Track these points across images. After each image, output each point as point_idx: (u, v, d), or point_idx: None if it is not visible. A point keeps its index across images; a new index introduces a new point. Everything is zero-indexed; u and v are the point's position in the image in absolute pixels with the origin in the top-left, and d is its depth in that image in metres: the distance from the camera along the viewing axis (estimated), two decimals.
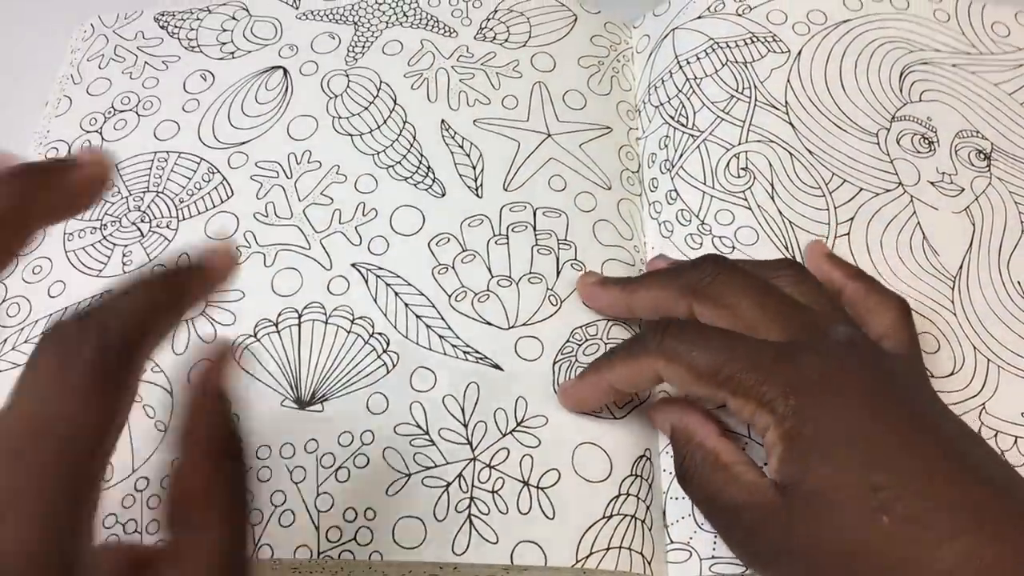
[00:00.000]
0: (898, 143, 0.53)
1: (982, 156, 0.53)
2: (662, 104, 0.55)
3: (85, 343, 0.23)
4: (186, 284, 0.28)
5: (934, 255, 0.50)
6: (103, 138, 0.56)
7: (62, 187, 0.26)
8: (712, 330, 0.40)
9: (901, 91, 0.55)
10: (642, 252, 0.53)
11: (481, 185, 0.51)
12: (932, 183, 0.52)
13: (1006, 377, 0.46)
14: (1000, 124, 0.54)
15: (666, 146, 0.54)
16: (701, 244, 0.50)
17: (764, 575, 0.39)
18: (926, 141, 0.53)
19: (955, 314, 0.47)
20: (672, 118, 0.54)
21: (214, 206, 0.52)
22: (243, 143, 0.55)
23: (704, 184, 0.52)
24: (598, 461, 0.45)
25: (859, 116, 0.53)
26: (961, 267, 0.49)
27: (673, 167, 0.53)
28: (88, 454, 0.23)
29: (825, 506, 0.35)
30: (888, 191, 0.52)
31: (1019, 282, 0.48)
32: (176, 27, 0.61)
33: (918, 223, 0.51)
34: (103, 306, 0.25)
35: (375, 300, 0.48)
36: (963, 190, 0.52)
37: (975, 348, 0.46)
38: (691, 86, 0.54)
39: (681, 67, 0.55)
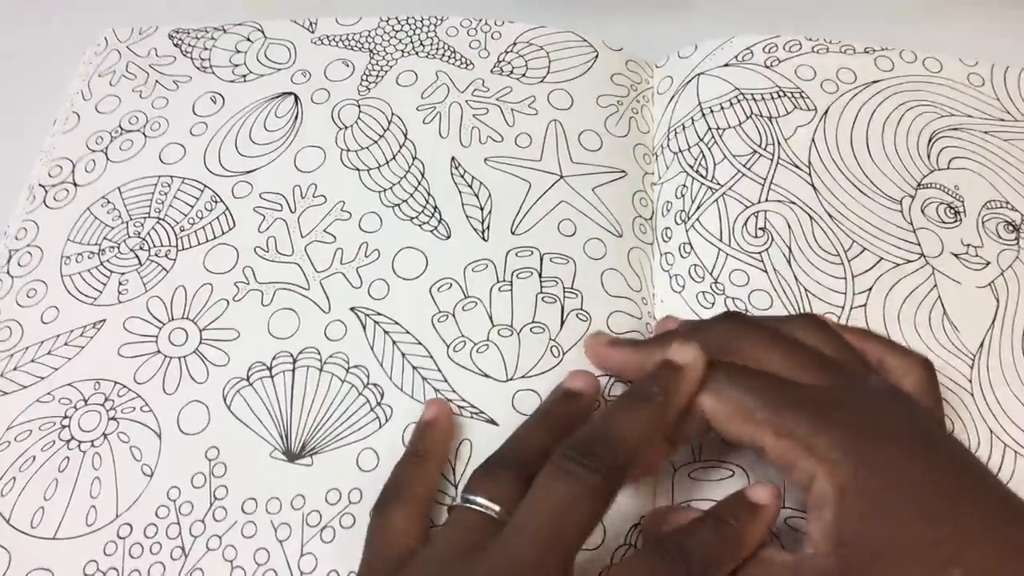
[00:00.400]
0: (922, 212, 0.51)
1: (1011, 228, 0.51)
2: (681, 151, 0.53)
3: (594, 473, 0.35)
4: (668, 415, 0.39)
5: (954, 331, 0.47)
6: (108, 158, 0.55)
7: None
8: (759, 371, 0.39)
9: (929, 157, 0.53)
10: (650, 305, 0.51)
11: (488, 228, 0.50)
12: (956, 255, 0.50)
13: (1022, 464, 0.43)
14: None
15: (683, 196, 0.52)
16: (713, 303, 0.49)
17: None
18: (952, 211, 0.51)
19: (972, 394, 0.45)
20: (691, 167, 0.52)
21: (215, 237, 0.51)
22: (249, 172, 0.54)
23: (720, 240, 0.50)
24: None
25: (883, 181, 0.51)
26: (982, 345, 0.47)
27: (689, 219, 0.51)
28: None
29: (894, 565, 0.33)
30: (909, 262, 0.50)
31: None
32: (190, 46, 0.60)
33: (939, 297, 0.49)
34: (606, 439, 0.36)
35: (372, 348, 0.47)
36: (988, 263, 0.49)
37: (991, 432, 0.45)
38: (713, 136, 0.53)
39: (704, 115, 0.54)
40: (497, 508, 0.36)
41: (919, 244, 0.50)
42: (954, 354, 0.47)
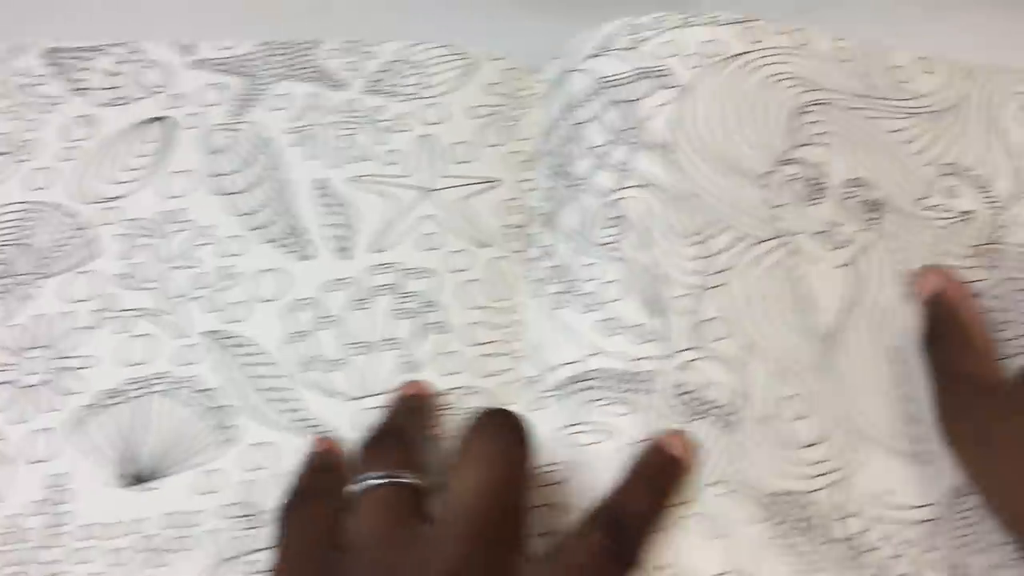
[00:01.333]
0: (785, 188, 0.49)
1: (871, 207, 0.49)
2: (551, 153, 0.53)
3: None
4: None
5: (809, 312, 0.47)
6: None
7: None
8: None
9: (793, 132, 0.51)
10: (515, 314, 0.50)
11: (351, 246, 0.49)
12: (816, 232, 0.48)
13: (871, 450, 0.43)
14: (892, 174, 0.51)
15: (550, 198, 0.51)
16: (568, 304, 0.48)
17: (955, 450, 0.41)
18: (815, 186, 0.49)
19: (824, 379, 0.44)
20: (558, 167, 0.52)
21: (79, 265, 0.50)
22: (116, 198, 0.53)
23: (578, 238, 0.49)
24: None
25: (746, 157, 0.49)
26: (836, 326, 0.46)
27: (551, 221, 0.50)
28: None
29: None
30: (769, 239, 0.48)
31: (896, 347, 0.45)
32: (66, 65, 0.59)
33: (797, 275, 0.47)
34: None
35: (224, 371, 0.46)
36: (848, 242, 0.48)
37: (840, 417, 0.44)
38: (576, 132, 0.52)
39: (571, 112, 0.53)
40: (407, 473, 0.39)
41: (780, 221, 0.49)
42: (807, 336, 0.46)
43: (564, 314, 0.49)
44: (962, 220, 0.51)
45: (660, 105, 0.52)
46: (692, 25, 0.54)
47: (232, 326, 0.48)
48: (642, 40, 0.53)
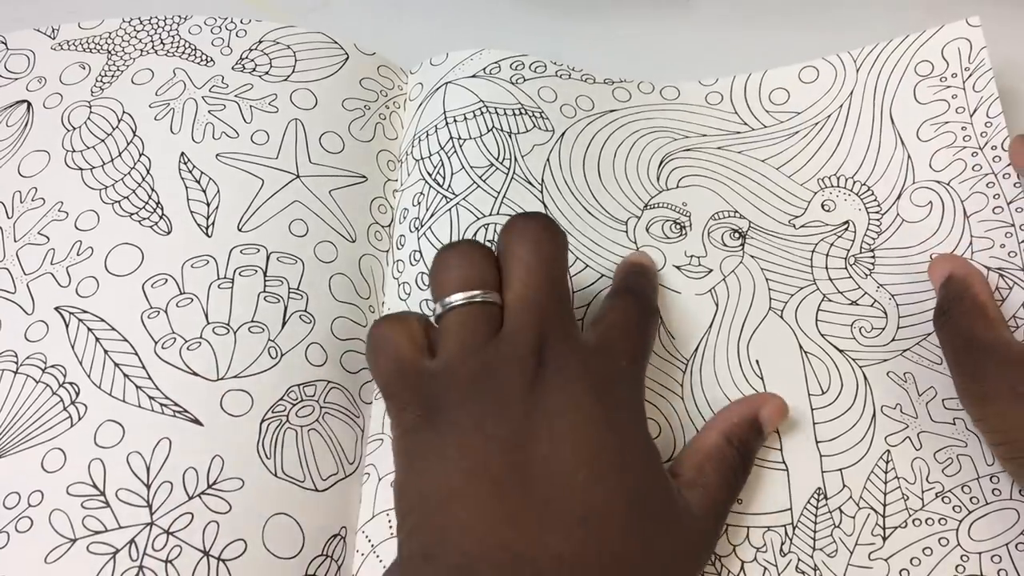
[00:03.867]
0: (647, 231, 0.51)
1: (737, 235, 0.51)
2: (423, 159, 0.52)
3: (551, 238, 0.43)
4: None
5: (670, 339, 0.48)
6: None
7: None
8: None
9: (659, 179, 0.52)
10: (377, 312, 0.50)
11: (213, 224, 0.47)
12: (678, 267, 0.50)
13: None
14: (761, 201, 0.52)
15: (419, 203, 0.51)
16: (435, 311, 0.46)
17: (975, 414, 0.43)
18: (677, 226, 0.51)
19: (682, 398, 0.46)
20: (430, 175, 0.51)
21: None
22: None
23: None
24: (290, 536, 0.41)
25: (611, 204, 0.51)
26: (696, 349, 0.47)
27: (422, 226, 0.50)
28: None
29: None
30: None
31: (757, 361, 0.47)
32: None
33: (661, 307, 0.48)
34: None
35: (72, 347, 0.44)
36: (711, 271, 0.49)
37: (697, 431, 0.44)
38: (454, 145, 0.51)
39: (448, 124, 0.52)
40: (482, 293, 0.41)
41: None
42: (669, 361, 0.47)
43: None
44: (837, 233, 0.52)
45: (536, 145, 0.53)
46: (569, 78, 0.56)
47: (83, 301, 0.46)
48: (524, 79, 0.54)
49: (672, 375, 0.46)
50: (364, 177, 0.51)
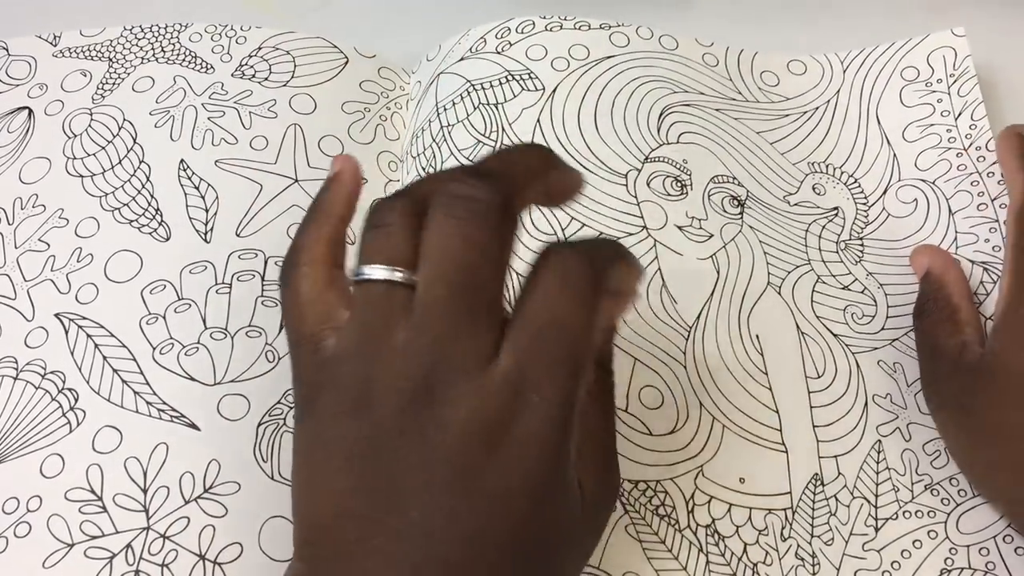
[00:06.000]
0: (648, 185, 0.49)
1: (736, 203, 0.50)
2: (419, 155, 0.52)
3: (494, 192, 0.31)
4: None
5: (672, 303, 0.46)
6: None
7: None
8: None
9: (659, 131, 0.50)
10: None
11: (211, 229, 0.47)
12: (679, 227, 0.48)
13: (729, 438, 0.43)
14: (758, 172, 0.51)
15: None
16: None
17: (936, 420, 0.44)
18: (678, 184, 0.49)
19: (685, 367, 0.44)
20: (424, 170, 0.50)
21: None
22: None
23: None
24: (287, 538, 0.40)
25: (609, 156, 0.49)
26: (699, 317, 0.46)
27: None
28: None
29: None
30: (631, 234, 0.48)
31: (757, 336, 0.46)
32: None
33: (659, 268, 0.47)
34: (491, 165, 0.33)
35: (72, 353, 0.44)
36: (711, 236, 0.48)
37: (701, 404, 0.44)
38: (444, 134, 0.51)
39: (439, 114, 0.52)
40: (399, 272, 0.31)
41: (642, 217, 0.48)
42: (671, 326, 0.46)
43: None
44: (828, 217, 0.52)
45: (525, 108, 0.52)
46: (561, 29, 0.54)
47: (83, 307, 0.46)
48: (510, 44, 0.53)
49: (675, 342, 0.45)
50: (364, 180, 0.51)
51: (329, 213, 0.36)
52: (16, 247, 0.49)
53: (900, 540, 0.42)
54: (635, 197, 0.49)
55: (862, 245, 0.49)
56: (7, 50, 0.57)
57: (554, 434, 0.30)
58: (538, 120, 0.51)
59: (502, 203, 0.30)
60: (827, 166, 0.52)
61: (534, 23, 0.54)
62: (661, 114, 0.52)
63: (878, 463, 0.44)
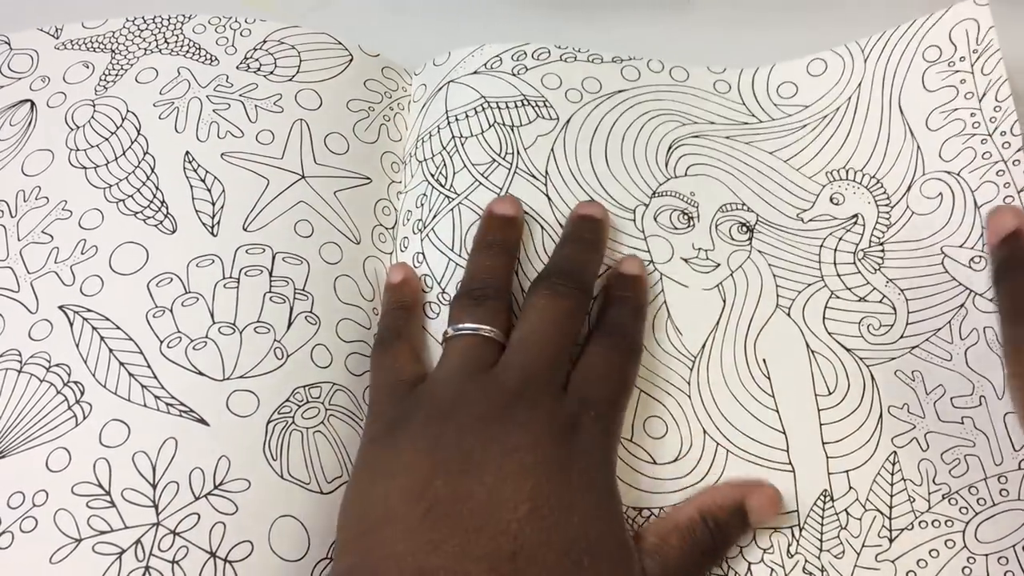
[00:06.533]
0: (655, 219, 0.49)
1: (744, 229, 0.50)
2: (426, 160, 0.51)
3: (578, 292, 0.45)
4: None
5: (677, 335, 0.46)
6: None
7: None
8: None
9: (667, 166, 0.51)
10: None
11: (218, 223, 0.47)
12: (685, 259, 0.48)
13: (734, 462, 0.44)
14: (769, 194, 0.51)
15: (422, 205, 0.50)
16: (439, 313, 0.47)
17: (1012, 384, 0.42)
18: (685, 216, 0.49)
19: (689, 396, 0.45)
20: (432, 176, 0.50)
21: None
22: None
23: (451, 250, 0.48)
24: (296, 538, 0.41)
25: (618, 191, 0.50)
26: (704, 347, 0.46)
27: (425, 228, 0.49)
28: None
29: None
30: None
31: (764, 360, 0.46)
32: None
33: (664, 301, 0.47)
34: (575, 266, 0.46)
35: (77, 345, 0.43)
36: (718, 265, 0.48)
37: (705, 432, 0.44)
38: (456, 144, 0.51)
39: (449, 123, 0.52)
40: (491, 329, 0.43)
41: (649, 251, 0.48)
42: (676, 358, 0.46)
43: (435, 324, 0.48)
44: (846, 227, 0.51)
45: (540, 136, 0.52)
46: (575, 60, 0.55)
47: (88, 300, 0.46)
48: (525, 68, 0.54)
49: (679, 372, 0.46)
50: (368, 179, 0.51)
51: (412, 307, 0.48)
52: (19, 239, 0.48)
53: (916, 550, 0.42)
54: (642, 232, 0.49)
55: (882, 251, 0.48)
56: (9, 44, 0.56)
57: (606, 438, 0.41)
58: (552, 149, 0.52)
59: (583, 293, 0.45)
60: (847, 171, 0.51)
61: (549, 51, 0.54)
62: (670, 148, 0.52)
63: (892, 475, 0.43)
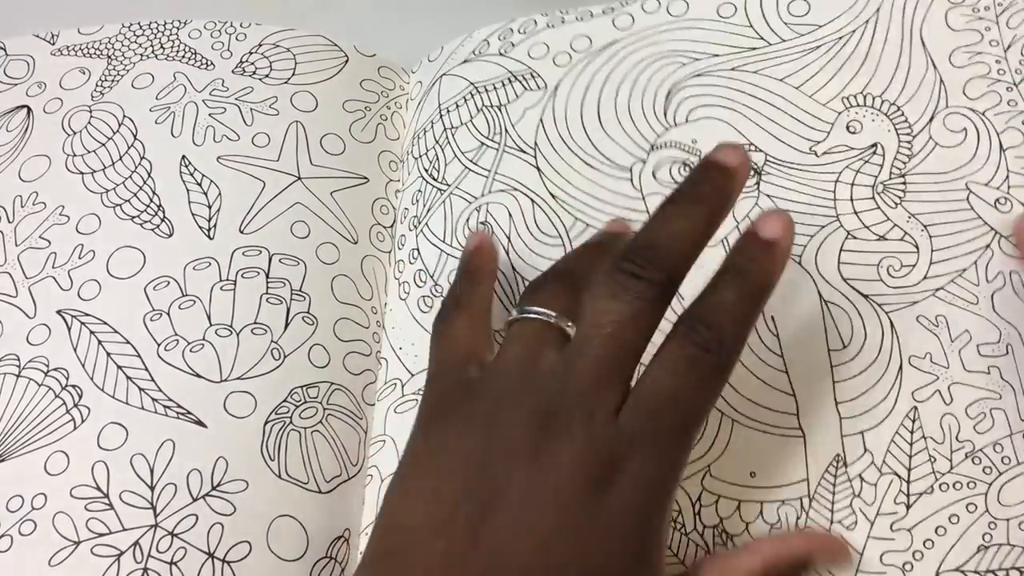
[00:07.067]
0: (654, 176, 0.47)
1: (752, 174, 0.45)
2: (421, 156, 0.52)
3: (651, 285, 0.33)
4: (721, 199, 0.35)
5: (679, 300, 0.44)
6: None
7: None
8: None
9: (665, 115, 0.48)
10: (380, 314, 0.49)
11: (214, 226, 0.47)
12: None
13: (739, 432, 0.41)
14: (779, 128, 0.47)
15: (417, 201, 0.51)
16: (431, 307, 0.47)
17: None
18: (687, 169, 0.46)
19: None
20: (427, 171, 0.51)
21: None
22: None
23: (443, 242, 0.49)
24: (294, 538, 0.41)
25: (613, 150, 0.48)
26: None
27: (420, 224, 0.49)
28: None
29: None
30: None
31: (772, 317, 0.43)
32: None
33: None
34: (657, 246, 0.34)
35: (75, 349, 0.44)
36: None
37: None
38: (447, 136, 0.51)
39: (441, 116, 0.52)
40: (554, 314, 0.35)
41: (647, 212, 0.45)
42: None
43: (430, 318, 0.47)
44: (864, 158, 0.46)
45: (527, 109, 0.51)
46: (563, 24, 0.53)
47: (86, 304, 0.46)
48: (512, 45, 0.53)
49: None
50: (365, 178, 0.51)
51: (479, 273, 0.44)
52: (17, 245, 0.48)
53: (935, 516, 0.39)
54: (640, 191, 0.47)
55: (904, 183, 0.45)
56: (5, 50, 0.56)
57: (652, 497, 0.32)
58: (540, 120, 0.51)
59: (661, 286, 0.33)
60: (865, 96, 0.47)
61: (535, 21, 0.54)
62: (669, 94, 0.49)
63: (912, 433, 0.40)
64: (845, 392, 0.41)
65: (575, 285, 0.36)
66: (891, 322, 0.42)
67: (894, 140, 0.46)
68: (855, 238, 0.44)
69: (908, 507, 0.39)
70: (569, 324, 0.35)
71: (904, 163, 0.45)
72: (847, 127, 0.46)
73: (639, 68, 0.51)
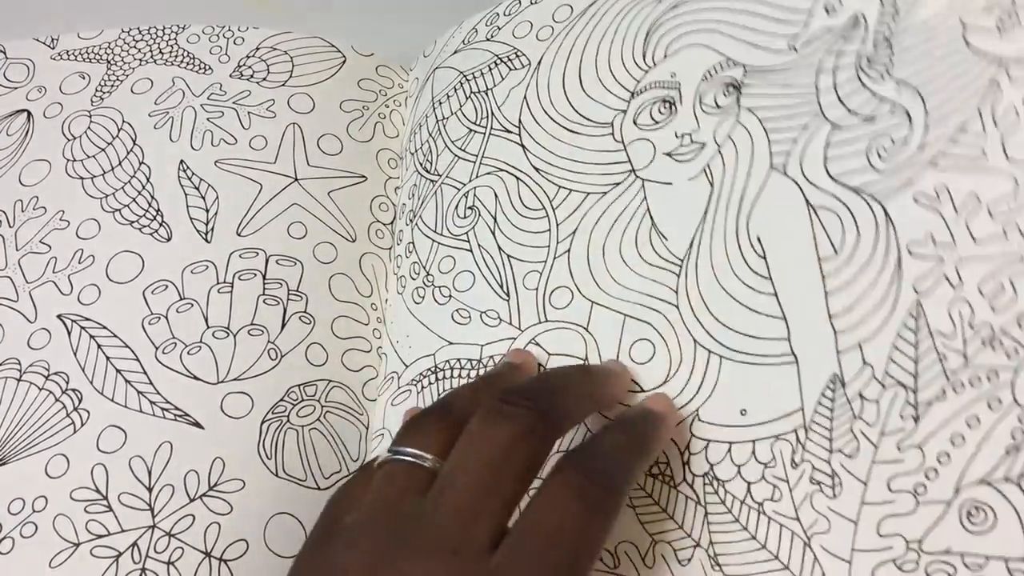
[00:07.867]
0: (635, 122, 0.44)
1: (731, 90, 0.42)
2: (416, 151, 0.52)
3: (531, 413, 0.32)
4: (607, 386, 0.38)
5: (662, 242, 0.41)
6: None
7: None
8: None
9: (644, 57, 0.45)
10: (380, 310, 0.50)
11: (212, 229, 0.47)
12: (668, 153, 0.43)
13: (728, 369, 0.38)
14: (755, 33, 0.43)
15: (413, 196, 0.51)
16: (424, 297, 0.47)
17: None
18: (666, 105, 0.43)
19: (678, 306, 0.40)
20: (421, 165, 0.51)
21: None
22: None
23: (435, 232, 0.49)
24: (292, 535, 0.41)
25: (594, 110, 0.46)
26: (692, 244, 0.41)
27: (415, 217, 0.50)
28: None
29: None
30: (617, 184, 0.44)
31: (758, 238, 0.39)
32: None
33: (647, 211, 0.42)
34: (543, 387, 0.35)
35: (75, 353, 0.44)
36: (703, 146, 0.42)
37: (695, 341, 0.39)
38: (439, 128, 0.51)
39: (435, 109, 0.52)
40: (428, 457, 0.33)
41: (629, 160, 0.44)
42: (662, 268, 0.41)
43: (422, 309, 0.48)
44: (845, 37, 0.41)
45: (512, 88, 0.51)
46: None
47: (85, 308, 0.47)
48: (498, 28, 0.53)
49: (667, 283, 0.41)
50: (364, 177, 0.52)
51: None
52: (17, 249, 0.49)
53: (950, 424, 0.33)
54: (621, 142, 0.45)
55: (890, 49, 0.39)
56: (5, 53, 0.57)
57: None
58: (524, 97, 0.50)
59: (540, 415, 0.32)
60: None
61: (520, 2, 0.53)
62: (647, 36, 0.46)
63: (916, 332, 0.35)
64: (839, 303, 0.37)
65: (456, 420, 0.33)
66: (884, 210, 0.37)
67: (875, 5, 0.40)
68: (840, 128, 0.39)
69: (916, 420, 0.34)
70: (440, 464, 0.32)
71: (890, 24, 0.39)
72: (825, 9, 0.41)
73: (617, 21, 0.49)
